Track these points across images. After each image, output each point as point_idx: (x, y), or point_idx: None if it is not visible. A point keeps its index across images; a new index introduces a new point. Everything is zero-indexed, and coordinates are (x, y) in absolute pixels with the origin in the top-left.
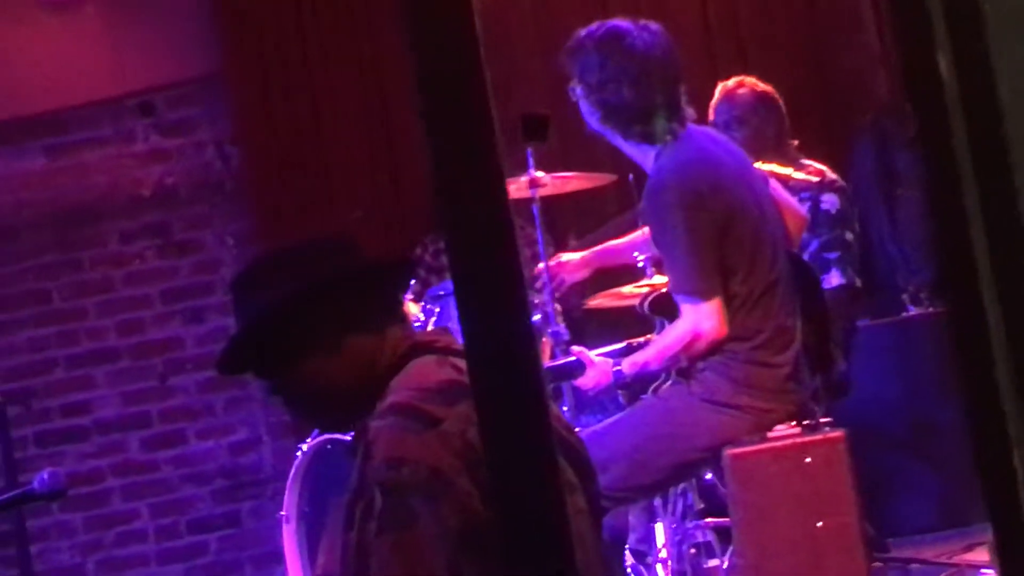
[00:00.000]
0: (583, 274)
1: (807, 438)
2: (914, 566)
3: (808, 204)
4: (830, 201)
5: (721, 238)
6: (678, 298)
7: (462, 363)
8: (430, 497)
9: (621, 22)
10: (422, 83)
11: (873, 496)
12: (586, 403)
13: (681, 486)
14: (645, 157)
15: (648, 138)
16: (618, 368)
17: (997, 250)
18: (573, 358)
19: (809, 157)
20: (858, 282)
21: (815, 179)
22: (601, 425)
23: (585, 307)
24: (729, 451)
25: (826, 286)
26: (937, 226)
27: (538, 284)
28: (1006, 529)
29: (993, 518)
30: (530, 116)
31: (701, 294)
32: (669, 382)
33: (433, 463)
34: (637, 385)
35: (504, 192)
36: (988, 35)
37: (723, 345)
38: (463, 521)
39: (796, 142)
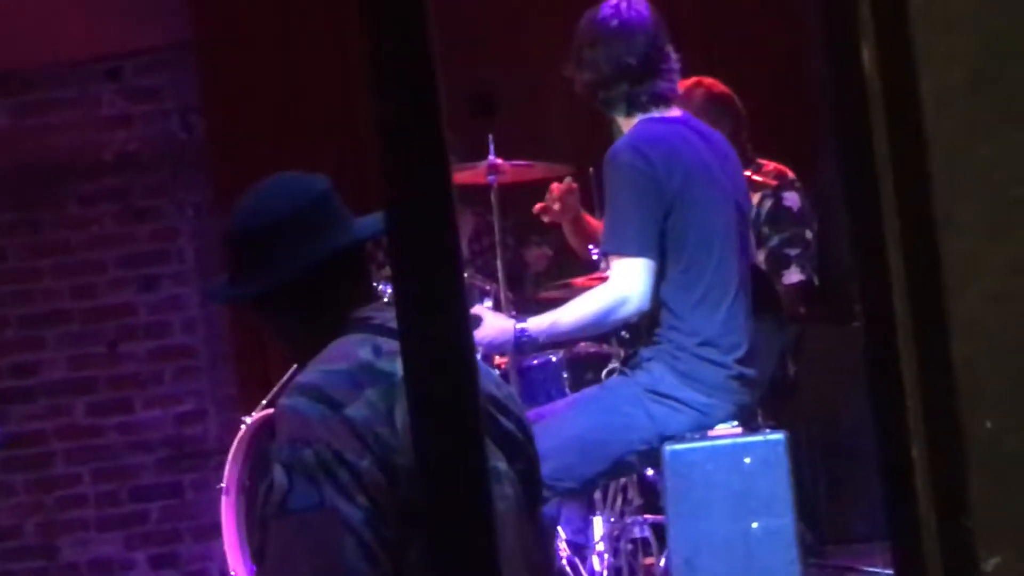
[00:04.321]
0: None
1: (747, 438)
2: (849, 574)
3: (770, 201)
4: (792, 199)
5: (664, 217)
6: (610, 257)
7: (389, 343)
8: (332, 478)
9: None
10: (368, 51)
11: (815, 501)
12: (530, 389)
13: (622, 480)
14: (618, 131)
15: (610, 107)
16: (523, 326)
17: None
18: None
19: (774, 158)
20: (815, 280)
21: (774, 182)
22: (545, 414)
23: (537, 298)
24: (668, 446)
25: (785, 282)
26: (853, 220)
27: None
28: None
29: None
30: (475, 94)
31: (630, 251)
32: (615, 372)
33: (336, 446)
34: (554, 351)
35: (447, 170)
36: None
37: (656, 328)
38: (369, 501)
39: (750, 145)
